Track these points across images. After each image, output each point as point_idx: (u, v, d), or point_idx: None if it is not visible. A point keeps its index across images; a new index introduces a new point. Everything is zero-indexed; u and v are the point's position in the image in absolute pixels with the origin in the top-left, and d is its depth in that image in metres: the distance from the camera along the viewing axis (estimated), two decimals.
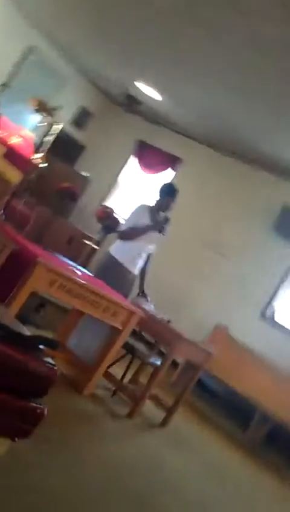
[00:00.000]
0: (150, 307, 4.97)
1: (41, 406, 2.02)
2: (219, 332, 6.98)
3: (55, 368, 2.07)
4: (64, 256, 5.36)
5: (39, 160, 4.65)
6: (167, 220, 5.04)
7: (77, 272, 4.12)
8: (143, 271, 5.32)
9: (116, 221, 6.42)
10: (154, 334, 4.90)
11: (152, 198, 5.33)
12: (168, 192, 5.19)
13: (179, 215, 5.65)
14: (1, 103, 5.68)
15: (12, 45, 7.98)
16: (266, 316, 7.27)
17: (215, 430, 5.80)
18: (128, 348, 4.78)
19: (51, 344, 2.29)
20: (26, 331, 2.15)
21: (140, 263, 5.18)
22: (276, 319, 7.29)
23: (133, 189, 9.10)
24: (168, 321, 4.84)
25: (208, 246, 7.78)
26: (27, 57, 8.25)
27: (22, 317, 4.39)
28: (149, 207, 5.18)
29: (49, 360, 2.08)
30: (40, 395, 2.03)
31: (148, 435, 4.52)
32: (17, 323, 2.26)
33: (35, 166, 4.60)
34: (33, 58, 8.32)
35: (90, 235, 7.31)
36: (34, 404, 2.00)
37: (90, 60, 8.24)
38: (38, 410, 2.00)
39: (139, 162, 8.96)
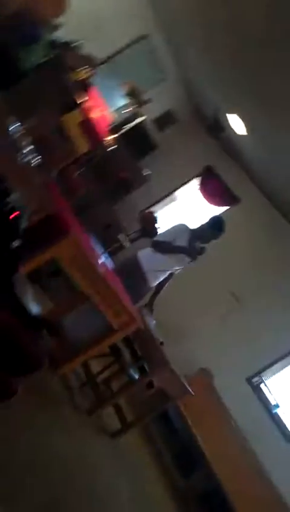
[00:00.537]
0: (151, 322, 4.92)
1: (18, 385, 1.98)
2: (203, 376, 6.86)
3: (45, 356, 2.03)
4: (97, 239, 5.33)
5: (110, 142, 4.63)
6: (203, 250, 4.98)
7: (101, 259, 4.08)
8: (160, 286, 5.25)
9: (155, 230, 6.39)
10: (143, 349, 4.83)
11: (197, 222, 5.25)
12: (217, 227, 5.09)
13: (214, 251, 5.54)
14: (97, 75, 5.74)
15: (130, 26, 8.02)
16: (252, 381, 7.15)
17: (159, 464, 5.69)
18: (115, 351, 4.74)
19: (54, 331, 2.25)
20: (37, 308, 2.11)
21: (160, 278, 5.12)
22: (261, 388, 7.15)
23: (185, 209, 8.99)
24: (161, 343, 4.78)
25: (230, 292, 7.65)
26: (138, 41, 8.31)
27: (33, 276, 4.39)
28: (191, 230, 5.11)
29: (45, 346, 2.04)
30: (23, 375, 1.99)
31: (95, 439, 4.44)
32: (28, 291, 2.21)
33: (104, 145, 4.58)
34: (143, 45, 8.37)
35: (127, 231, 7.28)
36: (13, 382, 1.95)
37: (195, 70, 8.22)
38: (14, 388, 1.96)
39: (201, 186, 8.86)
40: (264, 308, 7.45)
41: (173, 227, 5.31)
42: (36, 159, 2.99)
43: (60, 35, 5.22)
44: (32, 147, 2.92)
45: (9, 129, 2.88)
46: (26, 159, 2.90)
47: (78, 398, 4.49)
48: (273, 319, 7.35)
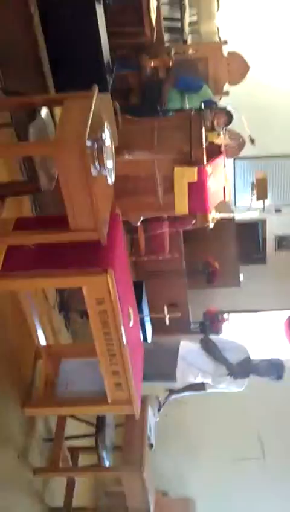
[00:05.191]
0: (152, 417, 4.32)
1: None
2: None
3: None
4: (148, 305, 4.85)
5: (210, 221, 4.22)
6: (246, 375, 4.39)
7: (132, 323, 3.56)
8: (190, 387, 4.62)
9: (216, 330, 5.86)
10: (128, 439, 4.23)
11: (259, 355, 4.68)
12: (275, 373, 4.46)
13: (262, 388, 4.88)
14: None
15: None
16: None
17: None
18: (100, 423, 4.17)
19: None
20: None
21: (188, 376, 4.51)
22: None
23: (257, 335, 8.35)
24: (151, 445, 4.20)
25: (260, 440, 6.80)
26: None
27: (63, 304, 3.98)
28: (248, 358, 4.52)
29: None
30: None
31: None
32: None
33: (206, 220, 4.19)
34: None
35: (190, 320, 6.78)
36: None
37: None
38: None
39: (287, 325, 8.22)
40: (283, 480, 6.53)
41: (233, 342, 4.77)
42: (111, 181, 2.61)
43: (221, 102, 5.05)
44: (112, 167, 2.54)
45: (103, 134, 2.54)
46: (100, 173, 2.52)
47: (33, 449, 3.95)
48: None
